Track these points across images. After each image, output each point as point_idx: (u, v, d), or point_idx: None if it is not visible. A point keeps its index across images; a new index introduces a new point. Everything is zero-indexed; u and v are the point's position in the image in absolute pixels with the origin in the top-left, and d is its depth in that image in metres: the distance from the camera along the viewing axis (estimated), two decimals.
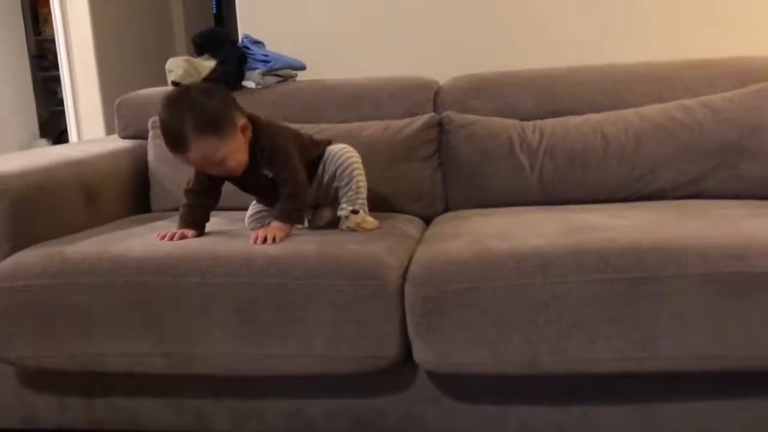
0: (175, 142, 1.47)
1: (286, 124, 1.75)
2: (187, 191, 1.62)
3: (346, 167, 1.61)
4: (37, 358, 1.48)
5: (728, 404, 1.38)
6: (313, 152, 1.65)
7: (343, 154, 1.62)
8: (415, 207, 1.89)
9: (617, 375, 1.35)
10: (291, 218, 1.55)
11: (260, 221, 1.67)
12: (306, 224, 1.68)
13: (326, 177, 1.64)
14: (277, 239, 1.48)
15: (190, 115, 1.45)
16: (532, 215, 1.66)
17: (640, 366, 1.31)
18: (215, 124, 1.46)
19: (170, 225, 1.65)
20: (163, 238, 1.54)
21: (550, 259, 1.31)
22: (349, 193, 1.60)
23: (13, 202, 1.56)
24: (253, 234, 1.49)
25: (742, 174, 1.75)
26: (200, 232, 1.58)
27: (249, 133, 1.53)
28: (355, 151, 1.65)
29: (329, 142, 1.69)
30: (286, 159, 1.56)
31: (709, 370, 1.31)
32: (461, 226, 1.61)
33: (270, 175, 1.58)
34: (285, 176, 1.55)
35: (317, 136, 1.76)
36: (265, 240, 1.47)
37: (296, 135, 1.65)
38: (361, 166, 1.63)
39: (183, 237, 1.54)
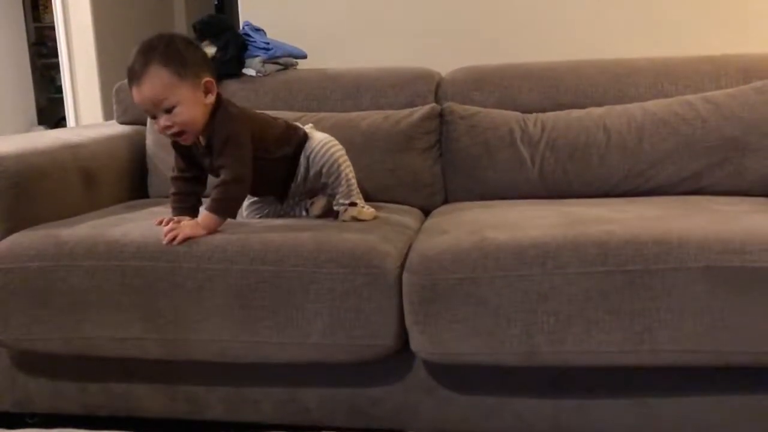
0: (135, 66, 1.43)
1: (265, 113, 1.69)
2: (173, 179, 1.59)
3: (332, 163, 1.57)
4: (30, 341, 1.47)
5: (725, 398, 1.37)
6: (291, 143, 1.60)
7: (327, 150, 1.57)
8: (414, 198, 1.88)
9: (614, 368, 1.35)
10: (219, 210, 1.45)
11: (258, 211, 1.66)
12: (304, 213, 1.67)
13: (312, 172, 1.60)
14: (190, 236, 1.41)
15: (161, 48, 1.43)
16: (532, 208, 1.65)
17: (638, 359, 1.30)
18: (180, 63, 1.42)
19: (168, 211, 1.64)
20: (160, 223, 1.52)
21: (550, 251, 1.31)
22: (341, 189, 1.58)
23: (10, 184, 1.55)
24: (165, 231, 1.43)
25: (743, 170, 1.74)
26: (194, 218, 1.54)
27: (212, 98, 1.47)
28: (336, 140, 1.61)
29: (305, 134, 1.63)
30: (230, 146, 1.46)
31: (707, 364, 1.31)
32: (460, 217, 1.60)
33: None
34: (222, 162, 1.46)
35: (296, 123, 1.68)
36: (174, 239, 1.41)
37: (266, 126, 1.58)
38: (346, 157, 1.59)
39: (180, 223, 1.53)
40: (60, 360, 1.54)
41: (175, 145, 1.55)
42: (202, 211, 1.48)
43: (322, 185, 1.62)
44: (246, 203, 1.68)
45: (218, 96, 1.51)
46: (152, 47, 1.44)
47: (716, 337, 1.27)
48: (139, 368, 1.52)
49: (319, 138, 1.61)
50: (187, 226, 1.44)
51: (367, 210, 1.60)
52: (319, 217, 1.64)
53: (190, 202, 1.57)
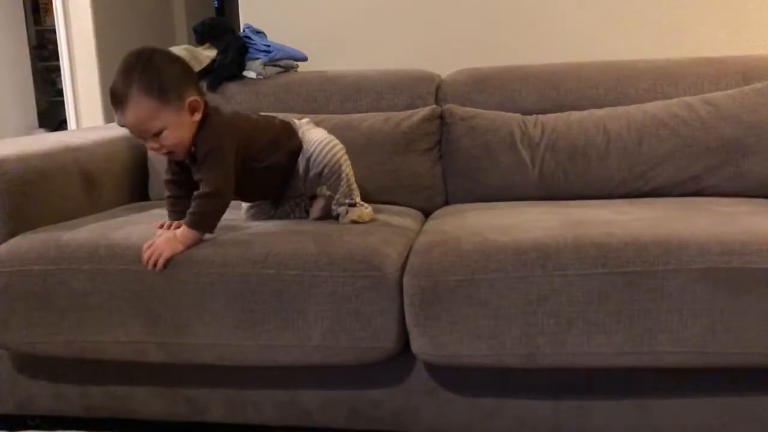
0: (116, 94, 1.40)
1: (262, 114, 1.69)
2: (167, 182, 1.58)
3: (334, 163, 1.56)
4: (32, 343, 1.48)
5: (726, 400, 1.37)
6: (283, 149, 1.58)
7: (329, 150, 1.56)
8: (414, 200, 1.88)
9: (615, 369, 1.35)
10: (195, 224, 1.43)
11: (257, 216, 1.66)
12: (304, 215, 1.67)
13: (312, 173, 1.59)
14: (165, 256, 1.38)
15: (140, 71, 1.39)
16: (532, 209, 1.65)
17: (638, 361, 1.30)
18: (161, 88, 1.39)
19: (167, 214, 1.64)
20: (161, 227, 1.52)
21: (550, 252, 1.31)
22: (341, 189, 1.57)
23: (11, 187, 1.55)
24: (144, 249, 1.40)
25: (743, 172, 1.74)
26: None
27: (198, 115, 1.45)
28: (335, 139, 1.60)
29: (300, 142, 1.60)
30: (210, 159, 1.44)
31: (707, 366, 1.31)
32: (461, 219, 1.60)
33: None
34: (202, 176, 1.44)
35: (295, 122, 1.67)
36: (156, 262, 1.38)
37: (255, 133, 1.56)
38: (346, 157, 1.58)
39: (179, 227, 1.53)
40: (61, 362, 1.54)
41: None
42: (178, 231, 1.44)
43: (322, 185, 1.61)
44: (245, 206, 1.69)
45: (205, 105, 1.48)
46: (132, 68, 1.40)
47: (716, 338, 1.27)
48: (140, 371, 1.52)
49: (318, 137, 1.59)
50: (164, 242, 1.40)
51: (367, 210, 1.60)
52: (319, 218, 1.64)
53: (185, 206, 1.54)
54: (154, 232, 1.49)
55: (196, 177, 1.46)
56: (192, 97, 1.44)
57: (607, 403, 1.40)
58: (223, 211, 1.47)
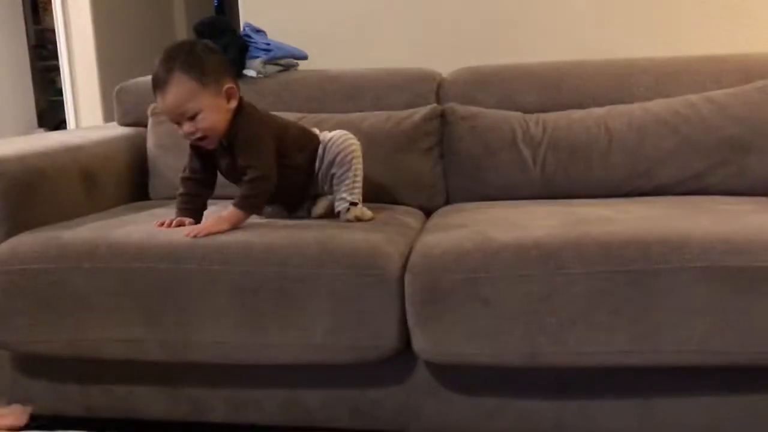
0: (157, 78, 1.47)
1: (281, 115, 1.73)
2: (184, 179, 1.61)
3: (347, 154, 1.59)
4: (32, 343, 1.47)
5: (729, 399, 1.37)
6: (307, 148, 1.62)
7: (345, 140, 1.60)
8: (415, 199, 1.88)
9: (617, 368, 1.34)
10: (246, 206, 1.50)
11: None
12: (305, 215, 1.67)
13: (325, 162, 1.61)
14: (212, 232, 1.44)
15: (182, 57, 1.47)
16: (533, 208, 1.65)
17: (641, 360, 1.30)
18: (202, 71, 1.47)
19: (169, 213, 1.64)
20: (162, 225, 1.53)
21: (552, 251, 1.30)
22: (347, 182, 1.58)
23: (11, 186, 1.54)
24: (188, 230, 1.46)
25: (745, 170, 1.74)
26: (197, 220, 1.56)
27: (234, 103, 1.52)
28: (356, 138, 1.63)
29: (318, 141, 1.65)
30: (254, 145, 1.51)
31: (710, 365, 1.31)
32: (462, 218, 1.60)
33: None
34: (249, 161, 1.50)
35: (314, 129, 1.72)
36: (197, 234, 1.43)
37: (284, 130, 1.62)
38: (360, 155, 1.61)
39: (180, 224, 1.53)
40: (62, 362, 1.53)
41: (193, 146, 1.58)
42: (226, 211, 1.49)
43: (330, 177, 1.62)
44: None
45: (240, 99, 1.54)
46: (174, 55, 1.48)
47: (719, 337, 1.27)
48: (141, 370, 1.52)
49: (341, 131, 1.64)
50: (211, 221, 1.47)
51: (367, 211, 1.60)
52: (321, 217, 1.64)
53: (197, 204, 1.59)
54: (156, 229, 1.49)
55: (243, 164, 1.51)
56: (229, 84, 1.51)
57: (609, 402, 1.40)
58: (270, 194, 1.54)
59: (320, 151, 1.62)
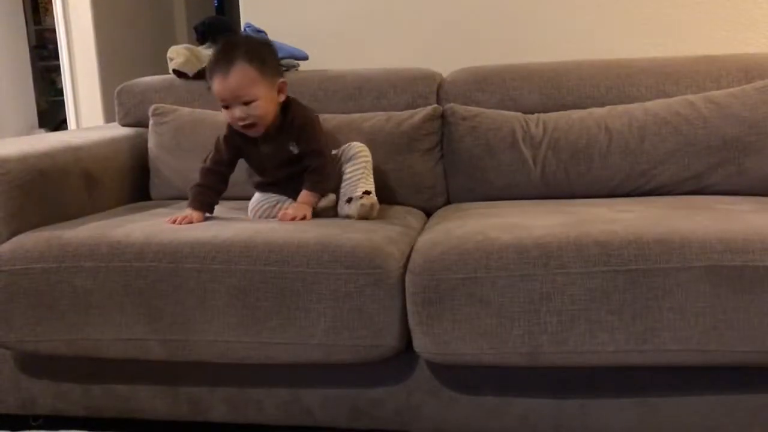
0: (220, 60, 1.56)
1: None
2: (205, 171, 1.65)
3: (360, 157, 1.67)
4: (34, 342, 1.48)
5: (729, 398, 1.37)
6: (331, 144, 1.71)
7: (362, 148, 1.69)
8: (416, 199, 1.88)
9: (617, 367, 1.35)
10: (317, 189, 1.61)
11: (267, 210, 1.66)
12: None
13: (341, 161, 1.68)
14: (308, 217, 1.56)
15: (245, 45, 1.59)
16: (534, 208, 1.65)
17: (641, 359, 1.30)
18: (263, 61, 1.58)
19: (170, 213, 1.64)
20: (174, 222, 1.56)
21: (552, 250, 1.31)
22: (358, 171, 1.64)
23: (12, 186, 1.55)
24: (281, 214, 1.57)
25: (745, 170, 1.74)
26: (210, 213, 1.62)
27: (283, 97, 1.63)
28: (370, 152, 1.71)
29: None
30: (316, 132, 1.65)
31: (710, 364, 1.31)
32: (463, 218, 1.60)
33: (295, 150, 1.63)
34: (314, 147, 1.62)
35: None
36: (294, 218, 1.54)
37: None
38: (371, 160, 1.68)
39: (189, 221, 1.55)
40: (63, 362, 1.54)
41: (228, 137, 1.65)
42: (301, 196, 1.60)
43: (341, 174, 1.66)
44: (253, 205, 1.68)
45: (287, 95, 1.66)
46: (236, 45, 1.59)
47: (719, 336, 1.27)
48: (142, 370, 1.52)
49: (359, 143, 1.72)
50: (304, 206, 1.58)
51: (377, 202, 1.61)
52: (322, 212, 1.64)
53: (213, 198, 1.65)
54: (158, 229, 1.49)
55: (308, 149, 1.62)
56: (282, 79, 1.63)
57: (610, 402, 1.40)
58: (334, 174, 1.66)
59: (337, 151, 1.70)
